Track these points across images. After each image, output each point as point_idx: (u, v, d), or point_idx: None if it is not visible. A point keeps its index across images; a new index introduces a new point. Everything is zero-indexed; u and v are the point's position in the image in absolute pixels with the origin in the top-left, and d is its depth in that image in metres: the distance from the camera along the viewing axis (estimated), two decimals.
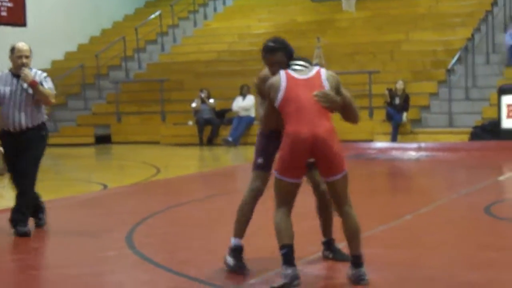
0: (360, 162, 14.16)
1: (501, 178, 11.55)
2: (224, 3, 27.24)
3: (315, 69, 5.40)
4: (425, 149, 15.45)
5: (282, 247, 5.21)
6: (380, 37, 21.68)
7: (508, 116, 15.57)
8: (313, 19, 23.82)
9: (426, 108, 18.39)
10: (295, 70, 5.40)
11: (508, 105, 15.62)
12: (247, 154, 16.93)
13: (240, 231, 5.82)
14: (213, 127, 19.11)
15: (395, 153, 15.44)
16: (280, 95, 5.23)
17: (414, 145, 15.93)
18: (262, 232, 6.49)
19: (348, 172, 5.26)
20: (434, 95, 18.66)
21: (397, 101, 17.31)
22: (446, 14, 22.22)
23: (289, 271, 5.08)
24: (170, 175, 12.62)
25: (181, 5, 26.41)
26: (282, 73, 5.36)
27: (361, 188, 10.76)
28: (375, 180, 12.01)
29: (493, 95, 16.93)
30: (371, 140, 17.12)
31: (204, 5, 26.85)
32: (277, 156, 5.34)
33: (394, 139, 16.95)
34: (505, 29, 19.81)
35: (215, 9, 26.92)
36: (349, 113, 5.53)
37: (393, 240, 6.70)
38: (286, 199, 5.29)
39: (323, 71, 5.39)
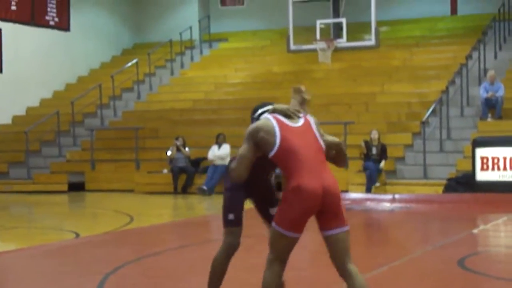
0: None
1: (475, 230, 11.54)
2: (201, 52, 27.39)
3: (302, 115, 5.15)
4: (400, 201, 15.45)
5: None
6: (356, 88, 21.86)
7: (482, 169, 15.65)
8: (290, 70, 23.98)
9: (401, 159, 18.46)
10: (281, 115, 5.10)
11: (482, 158, 15.71)
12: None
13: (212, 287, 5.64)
14: (188, 175, 19.04)
15: (369, 204, 15.43)
16: (277, 142, 4.94)
17: (389, 196, 15.94)
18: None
19: None
20: (409, 146, 18.76)
21: (374, 151, 17.38)
22: (421, 67, 22.48)
23: None
24: (143, 224, 12.50)
25: (158, 54, 26.51)
26: (270, 117, 5.08)
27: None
28: (350, 231, 11.93)
29: (467, 147, 17.05)
30: (346, 191, 17.11)
31: (181, 54, 26.97)
32: (281, 209, 4.95)
33: (368, 190, 16.97)
34: (479, 82, 20.04)
35: (192, 58, 27.05)
36: (340, 157, 5.30)
37: None
38: (284, 253, 4.98)
39: (310, 117, 5.18)
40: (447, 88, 19.40)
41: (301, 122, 5.10)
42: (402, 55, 23.40)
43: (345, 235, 4.92)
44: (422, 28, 25.25)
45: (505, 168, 15.45)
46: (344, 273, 4.91)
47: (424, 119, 18.31)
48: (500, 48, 22.34)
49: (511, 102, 19.17)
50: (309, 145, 4.97)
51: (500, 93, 18.81)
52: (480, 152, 15.72)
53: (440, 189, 16.31)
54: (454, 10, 26.15)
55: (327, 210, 4.86)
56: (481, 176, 15.64)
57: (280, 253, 4.97)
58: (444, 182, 16.43)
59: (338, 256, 4.91)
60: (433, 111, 18.78)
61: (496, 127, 18.10)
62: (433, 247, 9.36)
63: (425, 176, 17.58)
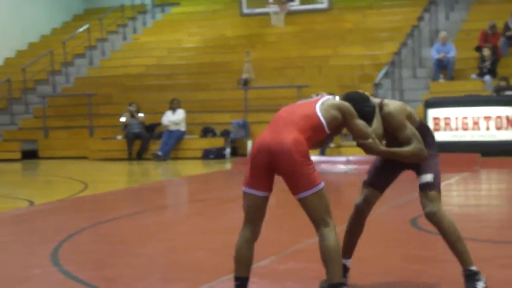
0: None
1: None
2: (153, 17, 27.12)
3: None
4: (354, 162, 15.57)
5: (235, 278, 4.84)
6: (309, 51, 21.86)
7: (435, 129, 15.82)
8: (243, 34, 23.88)
9: None
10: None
11: (434, 118, 15.88)
12: (177, 169, 16.84)
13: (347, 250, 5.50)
14: (143, 141, 18.95)
15: (324, 167, 15.52)
16: None
17: (343, 158, 16.05)
18: None
19: (324, 190, 4.76)
20: None
21: None
22: (373, 29, 22.55)
23: None
24: (98, 191, 12.43)
25: (110, 19, 26.20)
26: None
27: (289, 201, 10.79)
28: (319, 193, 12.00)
29: (419, 108, 17.19)
30: None
31: (133, 19, 26.68)
32: None
33: (322, 153, 17.06)
34: (431, 44, 20.18)
35: (144, 23, 26.78)
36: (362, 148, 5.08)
37: (318, 255, 6.67)
38: (249, 214, 4.82)
39: (326, 97, 5.02)
40: (399, 50, 19.52)
41: (313, 98, 5.04)
42: (355, 18, 23.44)
43: (310, 199, 4.73)
44: None
45: (457, 128, 15.66)
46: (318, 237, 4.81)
47: (376, 81, 18.43)
48: (452, 9, 22.50)
49: (462, 63, 19.38)
50: (292, 111, 4.88)
51: (452, 54, 18.99)
52: (432, 113, 15.89)
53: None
54: None
55: (281, 170, 4.70)
56: (435, 136, 15.80)
57: (246, 214, 4.83)
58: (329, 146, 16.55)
59: (311, 220, 4.81)
60: (386, 73, 18.90)
61: (448, 87, 18.30)
62: (387, 207, 9.45)
63: None
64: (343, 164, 15.60)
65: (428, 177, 5.16)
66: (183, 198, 12.53)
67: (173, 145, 18.58)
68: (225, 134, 18.76)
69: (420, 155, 5.10)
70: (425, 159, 5.14)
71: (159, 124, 19.25)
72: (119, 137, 19.49)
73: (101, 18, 25.48)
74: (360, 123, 4.91)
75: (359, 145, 5.02)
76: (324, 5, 18.74)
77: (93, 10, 27.68)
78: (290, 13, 21.01)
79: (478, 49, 18.98)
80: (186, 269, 6.29)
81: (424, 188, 5.16)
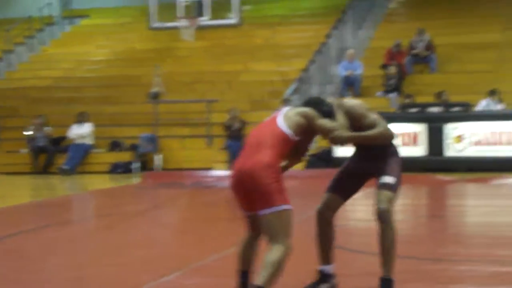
0: (198, 190, 14.19)
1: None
2: (62, 29, 26.73)
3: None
4: None
5: (237, 271, 5.24)
6: (219, 66, 21.93)
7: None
8: (152, 47, 23.79)
9: None
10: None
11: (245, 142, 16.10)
12: (84, 183, 16.60)
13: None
14: (48, 155, 18.61)
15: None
16: None
17: None
18: None
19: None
20: None
21: (234, 129, 17.57)
22: (282, 46, 22.78)
23: None
24: (2, 205, 12.12)
25: (17, 30, 25.67)
26: None
27: (197, 216, 10.79)
28: (212, 208, 12.03)
29: None
30: (210, 169, 17.19)
31: (41, 30, 26.23)
32: None
33: (231, 168, 17.12)
34: (339, 61, 20.52)
35: (52, 35, 26.36)
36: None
37: (222, 270, 6.68)
38: (247, 226, 5.24)
39: (286, 108, 5.34)
40: (307, 66, 19.77)
41: (276, 113, 5.32)
42: (265, 34, 23.64)
43: (266, 218, 4.91)
44: (285, 7, 25.60)
45: None
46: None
47: (285, 96, 18.60)
48: (360, 27, 22.94)
49: (369, 80, 19.76)
50: (257, 134, 5.16)
51: (359, 71, 19.36)
52: None
53: (302, 165, 16.63)
54: None
55: (250, 191, 4.95)
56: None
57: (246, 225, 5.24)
58: (306, 158, 16.76)
59: (266, 238, 4.98)
60: (295, 89, 19.11)
61: None
62: (294, 221, 9.54)
63: None
64: None
65: (390, 179, 5.41)
66: (89, 212, 12.35)
67: (80, 159, 18.31)
68: (134, 148, 18.60)
69: (387, 134, 5.43)
70: (392, 137, 5.46)
71: (65, 137, 18.95)
72: (24, 150, 19.09)
73: (8, 30, 24.95)
74: (323, 121, 5.24)
75: (330, 140, 5.37)
76: (234, 20, 18.79)
77: (0, 21, 27.09)
78: (201, 28, 20.97)
79: (384, 67, 19.39)
80: (90, 285, 6.20)
81: (383, 187, 5.40)
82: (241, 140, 17.57)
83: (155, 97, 20.00)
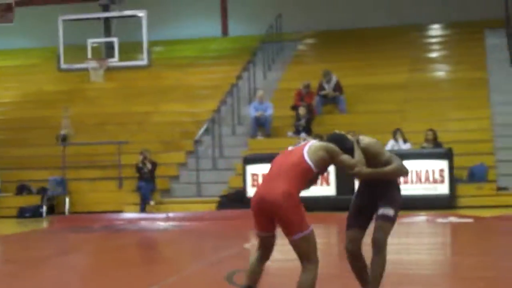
0: (109, 234, 13.96)
1: (247, 246, 11.83)
2: None
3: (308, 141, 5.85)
4: (174, 219, 15.54)
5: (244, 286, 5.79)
6: (130, 108, 21.78)
7: (253, 185, 16.11)
8: (61, 89, 23.48)
9: (175, 178, 18.61)
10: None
11: (253, 175, 16.18)
12: None
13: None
14: None
15: (144, 224, 15.38)
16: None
17: (163, 215, 15.99)
18: None
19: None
20: (182, 165, 18.95)
21: (146, 170, 17.43)
22: (193, 87, 22.82)
23: None
24: None
25: None
26: None
27: (108, 260, 10.58)
28: (123, 251, 11.84)
29: (238, 165, 17.49)
30: (120, 211, 16.97)
31: None
32: None
33: (142, 209, 16.95)
34: (249, 102, 20.66)
35: None
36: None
37: None
38: (259, 243, 5.79)
39: (312, 141, 5.80)
40: (219, 107, 19.83)
41: (299, 145, 5.84)
42: (175, 75, 23.63)
43: (296, 243, 5.52)
44: (195, 49, 25.69)
45: None
46: None
47: (197, 137, 18.60)
48: (269, 69, 23.20)
49: (279, 120, 19.92)
50: (281, 162, 5.67)
51: (269, 112, 19.51)
52: (250, 169, 16.20)
53: (214, 206, 16.60)
54: (225, 32, 26.87)
55: (274, 217, 5.53)
56: (252, 192, 16.08)
57: (258, 243, 5.81)
58: (217, 199, 16.75)
59: (299, 257, 5.61)
60: (206, 130, 19.13)
61: (266, 144, 18.74)
62: (204, 264, 9.48)
63: (199, 194, 17.83)
64: (163, 221, 15.51)
65: (390, 212, 5.94)
66: None
67: None
68: (42, 191, 18.20)
69: (401, 170, 5.98)
70: (407, 173, 6.04)
71: None
72: None
73: None
74: (346, 157, 5.77)
75: (350, 174, 5.90)
76: (144, 62, 18.71)
77: None
78: (111, 69, 20.82)
79: (294, 107, 19.60)
80: None
81: (383, 218, 5.95)
82: (153, 181, 17.45)
83: (64, 139, 19.68)
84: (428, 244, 12.06)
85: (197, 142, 18.62)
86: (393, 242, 12.08)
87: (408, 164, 14.77)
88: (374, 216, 6.04)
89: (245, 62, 22.47)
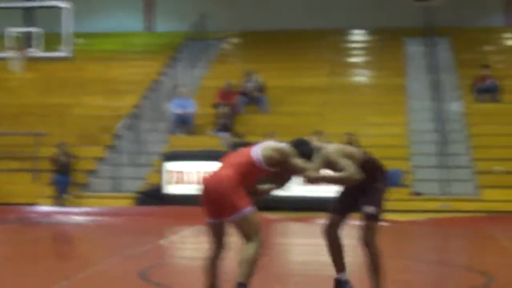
0: (22, 226, 13.74)
1: (162, 241, 11.82)
2: None
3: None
4: (90, 214, 15.39)
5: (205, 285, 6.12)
6: (49, 99, 21.45)
7: (170, 182, 16.07)
8: None
9: (93, 172, 18.41)
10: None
11: (172, 172, 16.14)
12: None
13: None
14: None
15: (59, 218, 15.18)
16: None
17: (79, 209, 15.81)
18: None
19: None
20: (101, 159, 18.76)
21: (62, 163, 17.21)
22: (115, 81, 22.60)
23: None
24: None
25: None
26: None
27: (19, 253, 10.41)
28: (35, 245, 11.67)
29: (157, 161, 17.42)
30: (34, 204, 16.69)
31: None
32: None
33: (59, 203, 16.72)
34: (171, 98, 20.60)
35: None
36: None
37: None
38: (209, 236, 6.14)
39: (269, 141, 6.25)
40: (140, 102, 19.70)
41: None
42: (97, 68, 23.37)
43: (236, 223, 5.83)
44: (118, 43, 25.47)
45: (191, 182, 15.99)
46: None
47: (116, 132, 18.43)
48: (193, 66, 23.17)
49: (201, 119, 19.93)
50: (232, 156, 6.08)
51: (191, 109, 19.50)
52: (168, 166, 16.15)
53: (132, 202, 16.50)
54: (150, 27, 26.72)
55: (215, 200, 5.88)
56: (169, 189, 16.07)
57: (209, 236, 6.17)
58: (135, 195, 16.65)
59: (241, 237, 5.88)
60: (126, 125, 18.97)
61: (187, 142, 18.72)
62: (118, 259, 9.42)
63: (117, 189, 17.69)
64: (79, 215, 15.34)
65: (371, 209, 6.29)
66: None
67: None
68: None
69: (349, 178, 6.18)
70: (356, 181, 6.21)
71: None
72: None
73: None
74: (297, 161, 6.02)
75: (303, 178, 6.14)
76: (66, 53, 18.44)
77: None
78: (32, 60, 20.48)
79: (216, 106, 19.64)
80: None
81: (367, 217, 6.30)
82: (69, 174, 17.22)
83: None
84: (345, 247, 12.26)
85: (117, 137, 18.45)
86: (304, 243, 12.28)
87: None
88: (360, 216, 6.37)
89: (169, 58, 22.38)
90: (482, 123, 19.11)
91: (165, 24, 26.50)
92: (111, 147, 18.86)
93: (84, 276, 8.07)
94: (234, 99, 20.08)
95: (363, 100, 20.73)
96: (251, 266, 5.79)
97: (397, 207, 16.24)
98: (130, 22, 26.45)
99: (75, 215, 15.39)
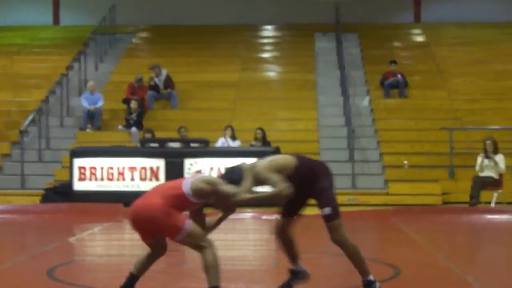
0: None
1: (71, 240, 11.60)
2: None
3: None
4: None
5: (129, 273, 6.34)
6: None
7: (80, 179, 15.79)
8: None
9: None
10: None
11: (80, 168, 15.85)
12: None
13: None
14: None
15: None
16: None
17: None
18: None
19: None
20: (6, 156, 18.29)
21: None
22: (21, 75, 22.10)
23: None
24: None
25: None
26: None
27: None
28: None
29: (66, 157, 17.08)
30: None
31: None
32: None
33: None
34: (80, 93, 20.25)
35: None
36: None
37: None
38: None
39: (201, 175, 6.73)
40: (47, 97, 19.27)
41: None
42: (2, 62, 22.78)
43: (182, 242, 6.08)
44: (24, 36, 24.90)
45: (102, 178, 15.76)
46: None
47: (22, 128, 17.99)
48: (101, 60, 22.84)
49: (110, 114, 19.70)
50: (161, 185, 6.29)
51: (100, 104, 19.22)
52: (78, 162, 15.85)
53: (38, 199, 16.13)
54: (56, 21, 26.21)
55: (145, 226, 6.06)
56: (79, 185, 15.78)
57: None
58: (42, 192, 16.28)
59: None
60: (33, 121, 18.54)
61: (95, 137, 18.46)
62: (25, 257, 9.20)
63: (23, 186, 17.27)
64: None
65: (327, 210, 6.43)
66: None
67: None
68: None
69: (279, 195, 6.29)
70: (285, 198, 6.36)
71: None
72: None
73: None
74: (225, 188, 6.12)
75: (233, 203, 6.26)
76: None
77: None
78: None
79: (126, 101, 19.40)
80: None
81: (327, 219, 6.45)
82: None
83: None
84: (254, 240, 12.29)
85: (23, 133, 18.01)
86: (219, 238, 12.23)
87: (236, 161, 14.97)
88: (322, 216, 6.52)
89: (76, 53, 21.97)
90: (389, 118, 19.48)
91: (73, 18, 26.04)
92: (16, 143, 18.39)
93: None
94: (143, 94, 19.88)
95: (274, 96, 20.83)
96: (215, 268, 6.06)
97: None
98: (38, 15, 25.88)
99: None
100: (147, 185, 15.27)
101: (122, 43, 24.45)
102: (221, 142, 17.40)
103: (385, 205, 15.92)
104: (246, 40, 24.43)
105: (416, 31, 25.20)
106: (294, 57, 23.00)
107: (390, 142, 18.35)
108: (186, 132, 17.67)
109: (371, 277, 6.58)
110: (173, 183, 6.21)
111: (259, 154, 16.30)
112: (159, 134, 17.86)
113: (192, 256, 10.21)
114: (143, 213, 6.00)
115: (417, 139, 18.37)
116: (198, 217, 6.35)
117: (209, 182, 6.16)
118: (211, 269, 6.05)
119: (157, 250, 6.32)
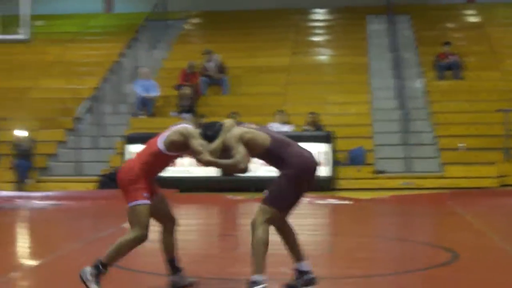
0: None
1: (125, 225, 11.68)
2: None
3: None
4: (52, 198, 15.18)
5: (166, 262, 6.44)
6: (8, 83, 21.10)
7: None
8: None
9: (54, 156, 18.17)
10: None
11: (133, 154, 15.94)
12: None
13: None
14: None
15: (20, 202, 14.96)
16: None
17: (41, 194, 15.59)
18: None
19: (137, 207, 5.94)
20: (62, 143, 18.52)
21: (23, 147, 16.99)
22: (74, 63, 22.33)
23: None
24: None
25: None
26: None
27: None
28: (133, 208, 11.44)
29: (119, 144, 17.23)
30: None
31: None
32: None
33: (20, 188, 16.49)
34: (132, 80, 20.39)
35: None
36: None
37: None
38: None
39: (181, 125, 6.16)
40: (100, 84, 19.46)
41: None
42: (56, 51, 23.05)
43: (127, 211, 6.03)
44: (76, 24, 25.15)
45: None
46: None
47: (77, 115, 18.20)
48: (154, 47, 22.95)
49: (163, 100, 19.79)
50: (147, 143, 6.20)
51: (153, 91, 19.31)
52: (131, 148, 15.98)
53: (93, 186, 16.32)
54: (109, 8, 26.40)
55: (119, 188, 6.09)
56: None
57: None
58: (98, 178, 16.46)
59: None
60: (87, 108, 18.74)
61: (148, 124, 18.58)
62: (82, 243, 9.30)
63: (78, 172, 17.49)
64: (40, 200, 15.13)
65: (265, 193, 6.16)
66: None
67: None
68: None
69: (234, 166, 6.08)
70: (240, 171, 6.15)
71: None
72: None
73: None
74: (195, 143, 6.00)
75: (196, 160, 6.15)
76: (23, 36, 18.14)
77: None
78: None
79: (178, 87, 19.47)
80: None
81: (261, 201, 6.14)
82: (30, 159, 16.97)
83: None
84: (308, 225, 12.25)
85: (78, 120, 18.21)
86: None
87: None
88: None
89: (129, 40, 22.13)
90: (444, 100, 19.20)
91: (124, 5, 26.20)
92: (71, 130, 18.61)
93: (47, 261, 7.94)
94: (196, 80, 19.93)
95: (326, 80, 20.71)
96: (119, 250, 6.08)
97: (360, 185, 16.32)
98: (90, 3, 26.10)
99: (37, 199, 15.17)
100: (200, 171, 15.33)
101: (174, 29, 24.52)
102: (274, 126, 17.36)
103: (441, 188, 15.74)
104: (297, 24, 24.30)
105: (470, 11, 24.77)
106: (346, 40, 22.81)
107: (445, 125, 18.10)
108: (238, 117, 17.66)
109: (258, 278, 5.97)
110: (154, 139, 6.16)
111: (312, 139, 16.29)
112: (211, 120, 17.88)
113: (245, 240, 10.23)
114: (119, 175, 6.11)
115: (472, 121, 18.09)
116: (161, 204, 6.27)
117: (183, 133, 6.07)
118: (116, 248, 6.08)
119: (164, 223, 6.32)
